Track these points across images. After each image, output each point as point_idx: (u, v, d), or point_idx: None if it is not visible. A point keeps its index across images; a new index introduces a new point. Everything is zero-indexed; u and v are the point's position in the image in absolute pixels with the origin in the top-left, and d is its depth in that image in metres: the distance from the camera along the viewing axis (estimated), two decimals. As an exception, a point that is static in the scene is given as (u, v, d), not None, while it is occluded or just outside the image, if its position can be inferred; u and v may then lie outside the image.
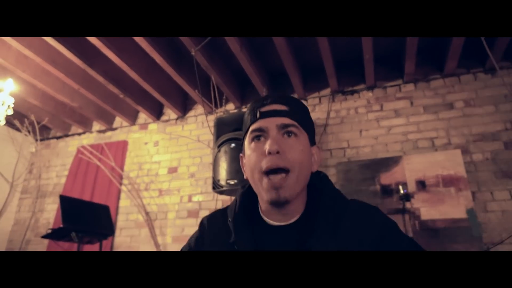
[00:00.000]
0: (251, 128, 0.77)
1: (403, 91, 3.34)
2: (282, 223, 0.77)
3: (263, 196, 0.74)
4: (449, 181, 2.86)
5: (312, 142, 0.84)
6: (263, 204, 0.78)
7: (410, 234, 2.76)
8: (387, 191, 2.98)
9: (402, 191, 2.46)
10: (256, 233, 0.77)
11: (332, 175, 3.21)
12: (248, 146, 0.77)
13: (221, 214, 0.86)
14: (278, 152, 0.72)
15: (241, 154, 0.85)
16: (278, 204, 0.74)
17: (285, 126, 0.74)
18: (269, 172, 0.72)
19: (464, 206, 2.75)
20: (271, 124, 0.74)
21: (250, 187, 0.83)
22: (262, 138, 0.75)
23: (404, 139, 3.14)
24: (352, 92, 3.48)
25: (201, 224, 0.88)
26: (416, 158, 3.01)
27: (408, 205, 2.55)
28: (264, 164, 0.71)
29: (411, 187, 2.90)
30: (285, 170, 0.72)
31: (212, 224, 0.86)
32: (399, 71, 3.36)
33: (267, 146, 0.72)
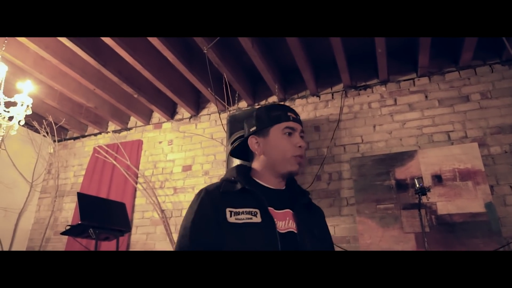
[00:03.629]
0: (285, 124, 1.12)
1: (417, 85, 3.29)
2: (277, 188, 1.13)
3: (287, 168, 1.10)
4: (466, 175, 2.80)
5: None
6: (272, 173, 1.13)
7: (427, 229, 2.72)
8: (402, 185, 2.95)
9: (417, 185, 2.42)
10: (257, 188, 1.09)
11: (346, 170, 3.19)
12: (280, 135, 1.11)
13: (218, 187, 1.09)
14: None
15: (254, 136, 1.15)
16: (292, 174, 1.13)
17: (302, 131, 1.16)
18: (298, 156, 1.11)
19: (483, 200, 2.69)
20: (297, 127, 1.13)
21: (239, 165, 1.17)
22: (291, 134, 1.12)
23: (419, 133, 3.10)
24: (365, 87, 3.45)
25: (214, 190, 1.08)
26: (431, 152, 2.97)
27: (424, 199, 2.52)
28: (298, 151, 1.10)
29: (427, 181, 2.86)
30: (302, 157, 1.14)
31: (215, 193, 1.08)
32: (412, 65, 3.32)
33: (300, 142, 1.11)
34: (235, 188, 1.06)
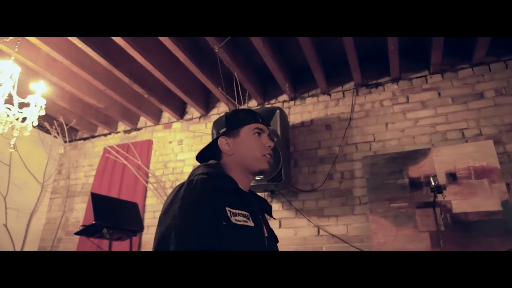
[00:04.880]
0: (255, 125, 1.18)
1: (429, 82, 3.26)
2: (246, 190, 1.16)
3: (258, 166, 1.15)
4: (481, 173, 2.77)
5: None
6: (243, 172, 1.16)
7: (442, 228, 2.69)
8: (416, 184, 2.92)
9: (433, 183, 2.39)
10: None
11: (358, 169, 3.17)
12: (250, 135, 1.16)
13: (214, 182, 1.04)
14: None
15: (224, 137, 1.17)
16: (262, 172, 1.18)
17: (269, 134, 1.24)
18: (267, 155, 1.18)
19: (499, 198, 2.66)
20: (266, 129, 1.21)
21: (218, 163, 1.17)
22: (260, 134, 1.18)
23: (432, 131, 3.06)
24: (377, 85, 3.43)
25: (211, 184, 1.02)
26: (445, 150, 2.94)
27: (439, 197, 2.49)
28: (266, 151, 1.16)
29: (441, 179, 2.83)
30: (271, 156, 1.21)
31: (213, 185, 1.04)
32: (425, 62, 3.28)
33: (269, 142, 1.18)
34: (228, 187, 1.06)
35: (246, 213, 1.04)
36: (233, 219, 0.98)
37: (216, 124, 1.23)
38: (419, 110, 3.18)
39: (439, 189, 2.37)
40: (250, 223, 1.02)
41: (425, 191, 2.84)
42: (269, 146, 1.18)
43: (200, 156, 1.22)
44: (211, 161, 1.18)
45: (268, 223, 1.21)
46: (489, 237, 2.58)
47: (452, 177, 2.84)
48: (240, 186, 1.11)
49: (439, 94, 3.18)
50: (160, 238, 0.93)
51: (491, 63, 3.09)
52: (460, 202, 2.75)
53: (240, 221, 1.00)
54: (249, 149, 1.15)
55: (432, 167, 2.92)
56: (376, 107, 3.35)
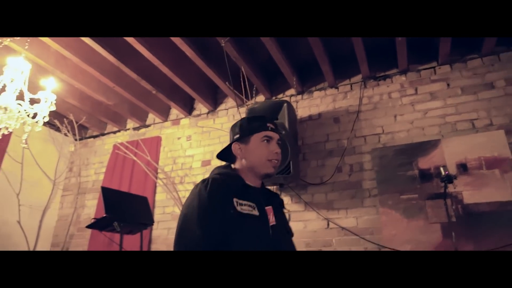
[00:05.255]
0: (264, 133, 1.32)
1: (438, 73, 3.23)
2: (256, 186, 1.32)
3: (264, 170, 1.30)
4: (492, 163, 2.74)
5: None
6: (252, 174, 1.31)
7: (453, 219, 2.66)
8: (426, 175, 2.89)
9: (443, 173, 2.37)
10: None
11: (367, 161, 3.15)
12: (259, 142, 1.30)
13: (224, 179, 1.24)
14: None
15: (237, 143, 1.33)
16: (268, 176, 1.31)
17: (279, 139, 1.36)
18: (273, 160, 1.31)
19: (511, 188, 2.62)
20: (275, 136, 1.34)
21: (229, 165, 1.38)
22: (269, 141, 1.32)
23: (442, 122, 3.03)
24: (385, 77, 3.41)
25: (221, 181, 1.21)
26: (455, 141, 2.91)
27: (450, 188, 2.46)
28: (273, 157, 1.30)
29: (452, 170, 2.79)
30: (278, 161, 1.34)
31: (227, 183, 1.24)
32: (433, 53, 3.25)
33: (276, 149, 1.31)
34: (238, 183, 1.24)
35: (252, 204, 1.21)
36: (239, 208, 1.16)
37: (233, 129, 1.40)
38: (428, 102, 3.15)
39: (449, 178, 2.35)
40: (255, 212, 1.19)
41: (436, 182, 2.81)
42: (276, 152, 1.30)
43: (220, 155, 1.41)
44: (225, 164, 1.38)
45: (283, 217, 1.39)
46: (501, 228, 2.55)
47: (462, 168, 2.81)
48: (248, 183, 1.28)
49: (448, 85, 3.14)
50: (182, 224, 1.15)
51: (501, 52, 3.05)
52: (471, 193, 2.72)
53: (246, 210, 1.18)
54: (257, 155, 1.29)
55: (442, 158, 2.89)
56: (384, 99, 3.33)
